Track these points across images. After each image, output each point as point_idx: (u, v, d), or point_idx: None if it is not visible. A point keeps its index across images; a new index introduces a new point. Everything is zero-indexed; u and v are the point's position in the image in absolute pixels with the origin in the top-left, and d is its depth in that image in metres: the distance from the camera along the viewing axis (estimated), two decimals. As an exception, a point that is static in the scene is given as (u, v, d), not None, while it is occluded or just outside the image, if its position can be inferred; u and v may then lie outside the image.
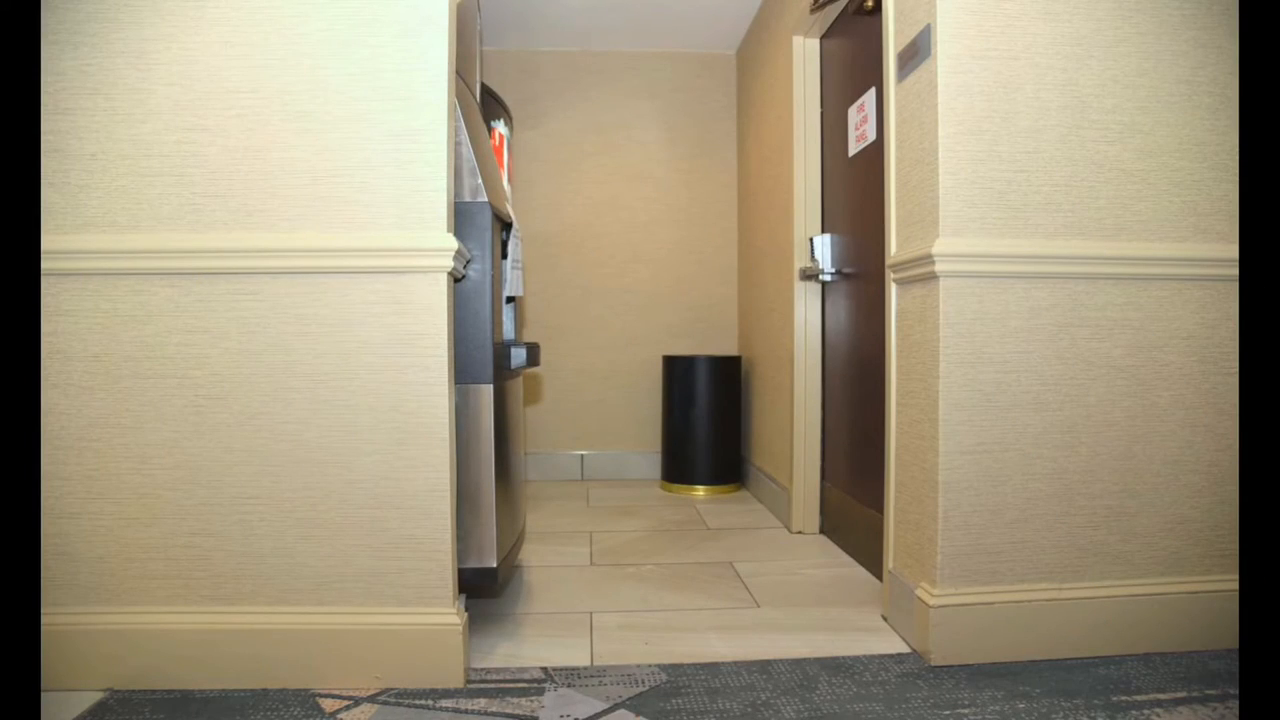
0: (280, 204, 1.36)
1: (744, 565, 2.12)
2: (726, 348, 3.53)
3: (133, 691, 1.34)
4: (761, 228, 3.01)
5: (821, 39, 2.47)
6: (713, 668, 1.45)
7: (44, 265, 1.32)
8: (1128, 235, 1.49)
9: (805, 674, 1.42)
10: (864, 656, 1.50)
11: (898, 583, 1.62)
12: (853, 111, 2.18)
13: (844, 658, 1.49)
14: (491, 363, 1.52)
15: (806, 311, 2.48)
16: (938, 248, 1.43)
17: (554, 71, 3.46)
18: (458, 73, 1.56)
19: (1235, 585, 1.52)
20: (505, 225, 1.69)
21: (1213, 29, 1.51)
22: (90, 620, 1.35)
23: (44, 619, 1.34)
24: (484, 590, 1.86)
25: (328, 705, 1.30)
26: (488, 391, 1.52)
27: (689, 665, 1.46)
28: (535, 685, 1.38)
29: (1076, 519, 1.50)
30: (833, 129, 2.37)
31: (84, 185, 1.35)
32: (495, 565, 1.53)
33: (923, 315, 1.52)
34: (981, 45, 1.46)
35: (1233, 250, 1.50)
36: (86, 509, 1.36)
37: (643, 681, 1.39)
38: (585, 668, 1.45)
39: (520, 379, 1.92)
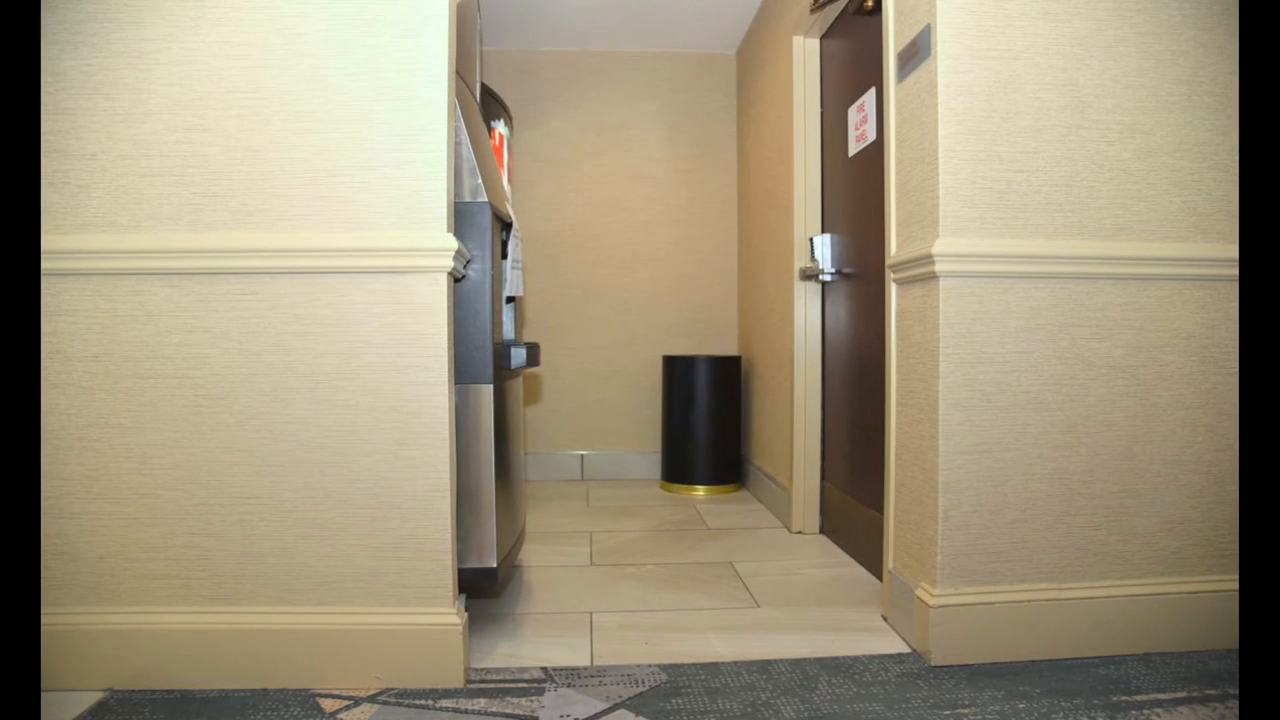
0: (280, 204, 1.36)
1: (744, 565, 2.12)
2: (726, 348, 3.53)
3: (133, 691, 1.34)
4: (761, 228, 3.01)
5: (821, 39, 2.47)
6: (713, 668, 1.45)
7: (44, 265, 1.33)
8: (1127, 235, 1.49)
9: (805, 674, 1.42)
10: (864, 656, 1.50)
11: (898, 583, 1.62)
12: (853, 111, 2.18)
13: (844, 658, 1.49)
14: (491, 363, 1.52)
15: (806, 311, 2.48)
16: (938, 248, 1.43)
17: (554, 71, 3.46)
18: (458, 73, 1.56)
19: (1235, 585, 1.52)
20: (505, 225, 1.69)
21: (1213, 29, 1.51)
22: (90, 620, 1.35)
23: (44, 619, 1.34)
24: (484, 590, 1.86)
25: (328, 705, 1.30)
26: (488, 391, 1.52)
27: (689, 665, 1.46)
28: (535, 685, 1.38)
29: (1076, 519, 1.50)
30: (833, 129, 2.37)
31: (84, 185, 1.35)
32: (495, 565, 1.53)
33: (923, 315, 1.52)
34: (981, 45, 1.46)
35: (1233, 250, 1.50)
36: (86, 509, 1.36)
37: (643, 681, 1.39)
38: (585, 668, 1.45)
39: (520, 379, 1.92)
